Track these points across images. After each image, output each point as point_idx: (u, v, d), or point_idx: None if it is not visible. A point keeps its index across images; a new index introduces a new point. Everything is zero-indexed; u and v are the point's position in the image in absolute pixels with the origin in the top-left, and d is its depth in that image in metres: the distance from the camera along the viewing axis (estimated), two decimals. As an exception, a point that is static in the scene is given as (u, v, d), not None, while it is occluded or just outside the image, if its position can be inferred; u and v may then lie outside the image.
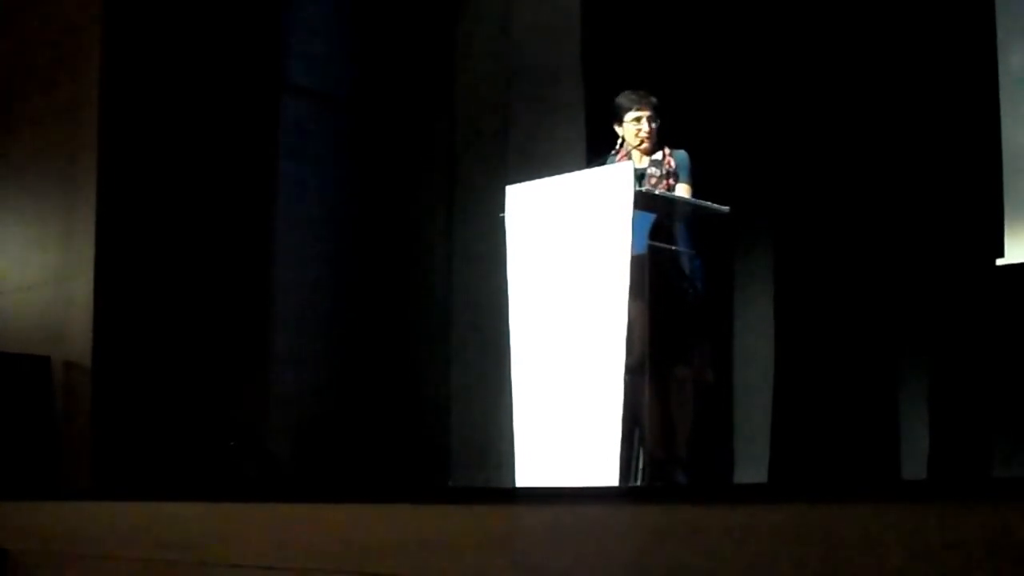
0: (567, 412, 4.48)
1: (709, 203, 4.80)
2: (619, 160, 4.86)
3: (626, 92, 4.95)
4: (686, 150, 4.92)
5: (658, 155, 4.92)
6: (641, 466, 4.50)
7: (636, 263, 4.44)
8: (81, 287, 6.63)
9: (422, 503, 3.53)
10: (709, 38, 5.81)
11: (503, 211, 4.80)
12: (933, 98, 5.14)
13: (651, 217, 4.61)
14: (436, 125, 7.06)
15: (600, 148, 5.04)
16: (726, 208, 4.77)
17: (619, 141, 4.94)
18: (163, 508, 4.43)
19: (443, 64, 7.04)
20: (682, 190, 4.86)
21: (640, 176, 4.83)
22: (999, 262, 4.93)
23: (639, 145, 4.89)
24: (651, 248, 4.58)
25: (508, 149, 6.56)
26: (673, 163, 4.88)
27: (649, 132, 4.89)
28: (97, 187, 6.64)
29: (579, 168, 4.93)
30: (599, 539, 3.01)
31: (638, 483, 4.45)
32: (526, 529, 3.21)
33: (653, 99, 4.92)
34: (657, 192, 4.76)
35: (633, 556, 2.92)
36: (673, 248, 4.73)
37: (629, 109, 4.91)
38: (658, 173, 4.87)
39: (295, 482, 6.64)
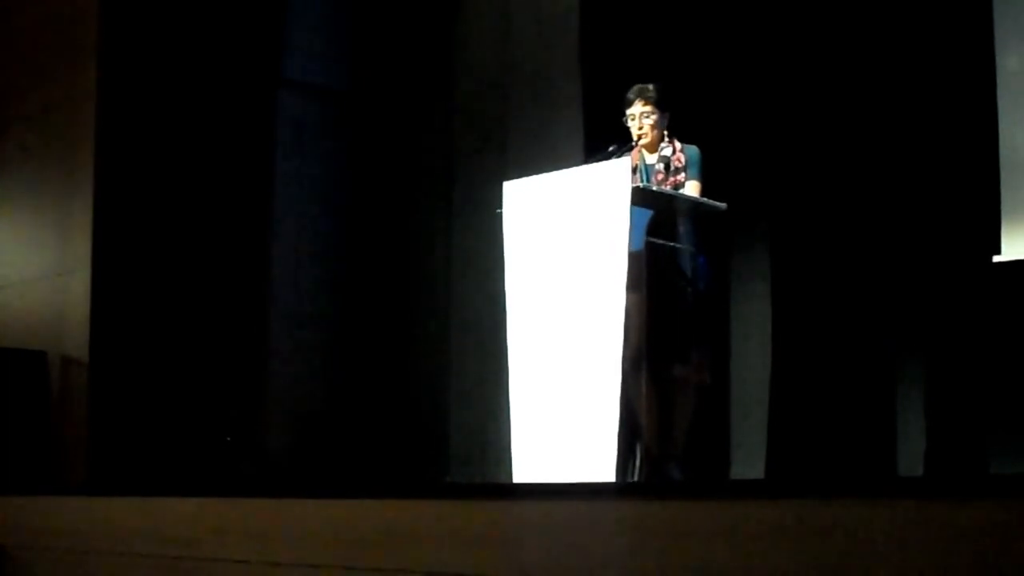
0: (564, 408, 4.48)
1: (705, 199, 4.81)
2: (632, 155, 4.86)
3: (634, 86, 4.95)
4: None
5: (667, 150, 4.91)
6: (638, 462, 4.50)
7: (634, 259, 4.44)
8: (78, 282, 6.62)
9: (419, 498, 3.53)
10: (706, 34, 5.80)
11: (501, 207, 4.80)
12: (931, 96, 5.14)
13: (649, 213, 4.60)
14: (434, 120, 7.05)
15: (597, 145, 5.03)
16: (723, 205, 4.77)
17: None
18: (159, 504, 4.43)
19: (441, 59, 7.04)
20: (691, 187, 4.85)
21: (648, 171, 4.85)
22: (996, 259, 4.94)
23: (640, 141, 4.90)
24: (649, 244, 4.57)
25: (506, 145, 6.56)
26: (683, 159, 4.88)
27: (641, 127, 4.88)
28: (94, 182, 6.63)
29: (577, 164, 4.93)
30: (595, 534, 3.01)
31: (634, 479, 4.45)
32: (523, 524, 3.21)
33: (652, 93, 4.91)
34: (655, 188, 4.76)
35: (629, 551, 2.93)
36: (674, 245, 4.73)
37: (628, 105, 4.92)
38: (664, 169, 4.87)
39: (292, 478, 6.63)
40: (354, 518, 3.66)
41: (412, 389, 6.91)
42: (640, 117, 4.91)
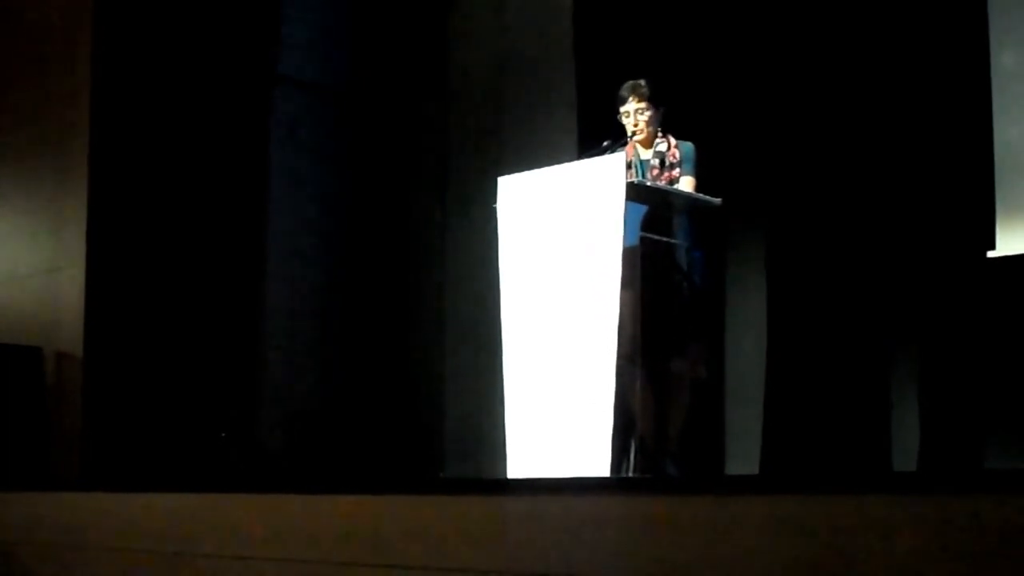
0: (559, 403, 4.48)
1: (700, 195, 4.81)
2: (626, 150, 4.86)
3: (626, 83, 4.96)
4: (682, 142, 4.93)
5: (662, 146, 4.91)
6: (632, 458, 4.50)
7: (628, 255, 4.44)
8: (72, 278, 6.61)
9: (413, 494, 3.54)
10: (701, 30, 5.80)
11: (496, 202, 4.80)
12: (926, 93, 5.15)
13: (643, 209, 4.61)
14: (429, 116, 7.05)
15: (592, 140, 5.03)
16: (718, 200, 4.77)
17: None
18: (153, 499, 4.43)
19: (436, 55, 7.03)
20: (685, 183, 4.85)
21: (643, 166, 4.85)
22: (990, 254, 4.95)
23: (634, 137, 4.90)
24: (643, 240, 4.58)
25: (501, 140, 6.56)
26: (678, 155, 4.88)
27: (637, 124, 4.89)
28: (88, 178, 6.61)
29: (571, 160, 4.93)
30: (590, 530, 3.01)
31: (629, 475, 4.45)
32: (517, 520, 3.21)
33: (645, 89, 4.92)
34: (650, 184, 4.76)
35: (624, 547, 2.93)
36: (669, 241, 4.73)
37: (622, 102, 4.93)
38: (659, 165, 4.87)
39: (286, 474, 6.63)
40: (350, 514, 3.66)
41: (407, 385, 6.91)
42: (635, 114, 4.91)
